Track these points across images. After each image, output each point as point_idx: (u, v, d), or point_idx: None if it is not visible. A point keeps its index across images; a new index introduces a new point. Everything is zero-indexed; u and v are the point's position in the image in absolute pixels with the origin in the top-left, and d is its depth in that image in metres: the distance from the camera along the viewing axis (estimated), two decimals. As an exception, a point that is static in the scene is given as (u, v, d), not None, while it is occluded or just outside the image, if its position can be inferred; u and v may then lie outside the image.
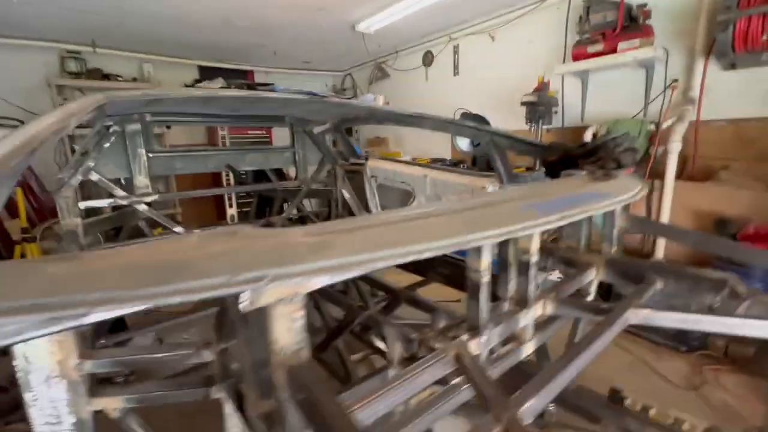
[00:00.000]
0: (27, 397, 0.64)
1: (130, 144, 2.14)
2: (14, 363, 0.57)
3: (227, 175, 4.40)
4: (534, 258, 0.93)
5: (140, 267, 0.50)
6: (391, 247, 0.62)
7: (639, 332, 2.52)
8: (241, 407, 0.68)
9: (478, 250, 0.81)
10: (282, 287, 0.52)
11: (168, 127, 2.36)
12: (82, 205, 2.01)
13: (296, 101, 2.25)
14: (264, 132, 5.43)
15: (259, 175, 3.60)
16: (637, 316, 0.86)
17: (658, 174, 2.94)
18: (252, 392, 0.61)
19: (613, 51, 3.17)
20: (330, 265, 0.56)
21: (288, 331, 0.57)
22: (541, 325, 1.00)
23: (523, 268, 0.94)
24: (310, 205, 3.79)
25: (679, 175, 2.93)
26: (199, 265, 0.51)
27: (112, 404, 0.75)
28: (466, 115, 4.02)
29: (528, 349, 0.97)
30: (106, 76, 4.75)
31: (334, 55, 5.84)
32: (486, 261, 0.82)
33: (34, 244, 3.43)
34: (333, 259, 0.57)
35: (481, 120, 3.82)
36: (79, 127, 1.41)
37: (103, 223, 2.26)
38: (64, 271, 0.47)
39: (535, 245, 0.93)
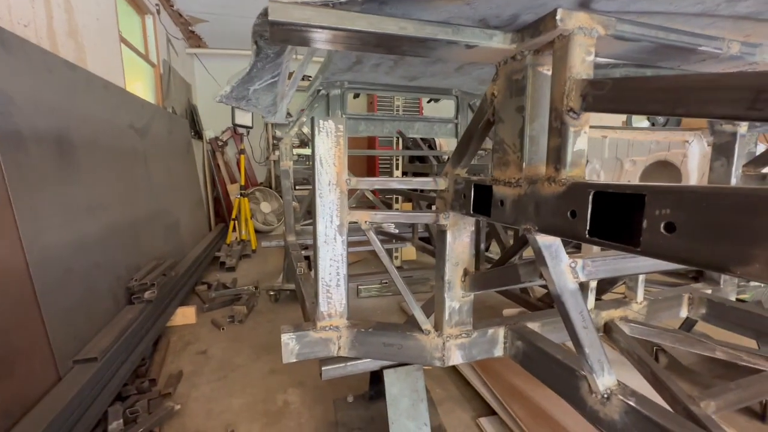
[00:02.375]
0: (317, 202, 1.03)
1: (332, 106, 2.58)
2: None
3: (397, 140, 4.72)
4: None
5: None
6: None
7: None
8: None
9: None
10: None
11: (356, 96, 2.75)
12: (295, 152, 2.56)
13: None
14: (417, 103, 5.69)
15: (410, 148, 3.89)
16: None
17: None
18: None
19: None
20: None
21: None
22: None
23: None
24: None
25: None
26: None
27: (364, 217, 1.09)
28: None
29: None
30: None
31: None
32: None
33: (246, 199, 4.96)
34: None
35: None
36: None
37: (302, 171, 2.85)
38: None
39: None
